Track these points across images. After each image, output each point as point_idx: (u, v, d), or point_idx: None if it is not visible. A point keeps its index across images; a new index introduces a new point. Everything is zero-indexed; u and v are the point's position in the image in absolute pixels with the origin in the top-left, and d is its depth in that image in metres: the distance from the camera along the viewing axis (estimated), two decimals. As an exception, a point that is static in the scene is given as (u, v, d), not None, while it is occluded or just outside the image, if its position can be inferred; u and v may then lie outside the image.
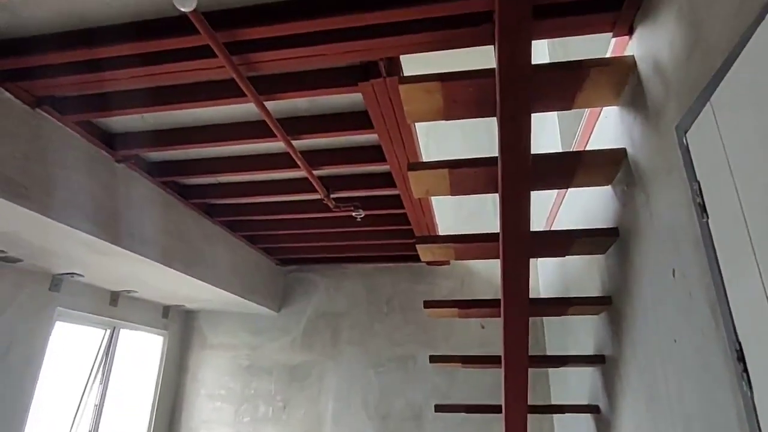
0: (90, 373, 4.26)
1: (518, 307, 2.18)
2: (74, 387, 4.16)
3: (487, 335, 4.72)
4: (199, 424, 5.02)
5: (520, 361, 2.30)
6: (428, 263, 5.01)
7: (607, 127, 2.32)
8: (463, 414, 4.37)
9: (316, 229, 4.23)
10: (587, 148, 2.53)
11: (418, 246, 2.33)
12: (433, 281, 5.02)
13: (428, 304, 2.61)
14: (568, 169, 2.17)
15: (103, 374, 4.30)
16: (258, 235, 4.56)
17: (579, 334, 3.13)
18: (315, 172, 3.06)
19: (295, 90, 2.33)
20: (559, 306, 2.49)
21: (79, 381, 4.19)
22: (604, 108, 2.31)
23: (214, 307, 5.19)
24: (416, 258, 4.93)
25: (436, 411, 2.84)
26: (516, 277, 2.10)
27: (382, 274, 5.16)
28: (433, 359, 2.67)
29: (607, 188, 2.33)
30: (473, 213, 5.06)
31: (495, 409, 2.70)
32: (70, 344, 4.16)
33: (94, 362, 4.31)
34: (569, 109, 2.16)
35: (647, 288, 1.93)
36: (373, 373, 4.83)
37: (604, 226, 2.34)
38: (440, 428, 4.52)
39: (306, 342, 5.09)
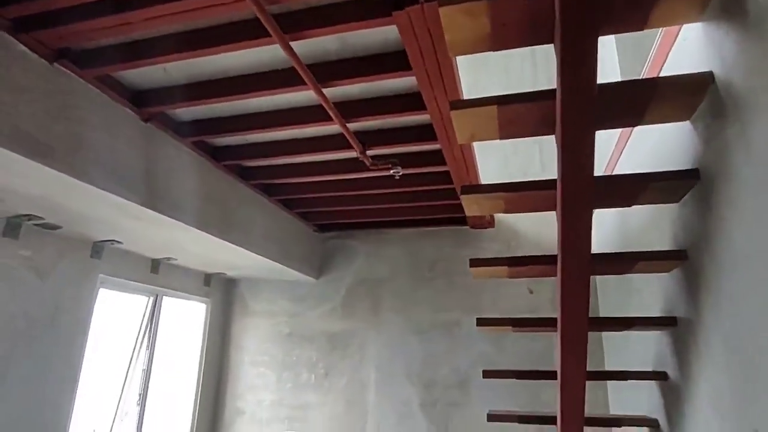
0: (136, 339, 4.31)
1: (578, 262, 1.91)
2: (122, 352, 4.23)
3: (536, 301, 4.46)
4: (244, 390, 5.06)
5: (579, 323, 2.05)
6: (472, 226, 4.75)
7: (685, 51, 1.97)
8: (512, 380, 4.17)
9: (353, 191, 4.04)
10: (660, 80, 2.18)
11: (463, 197, 2.09)
12: (478, 245, 4.76)
13: (475, 263, 2.38)
14: (640, 101, 1.85)
15: (149, 340, 4.34)
16: (294, 199, 4.43)
17: (642, 294, 2.83)
18: (349, 125, 2.85)
19: (323, 26, 2.10)
20: (625, 262, 2.21)
21: (126, 347, 4.26)
22: (683, 28, 1.96)
23: (254, 274, 5.16)
24: (460, 220, 4.68)
25: (484, 377, 2.65)
26: (576, 228, 1.83)
27: (425, 238, 4.94)
28: (481, 322, 2.45)
29: (684, 125, 2.00)
30: (520, 170, 4.74)
31: (548, 375, 2.47)
32: (115, 311, 4.21)
33: (140, 328, 4.35)
34: (641, 29, 1.82)
35: (739, 240, 1.62)
36: (416, 341, 4.68)
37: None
38: (487, 396, 4.34)
39: (346, 310, 4.99)
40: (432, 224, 4.84)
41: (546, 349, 4.31)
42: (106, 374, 4.10)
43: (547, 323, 2.41)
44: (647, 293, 2.71)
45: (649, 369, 2.74)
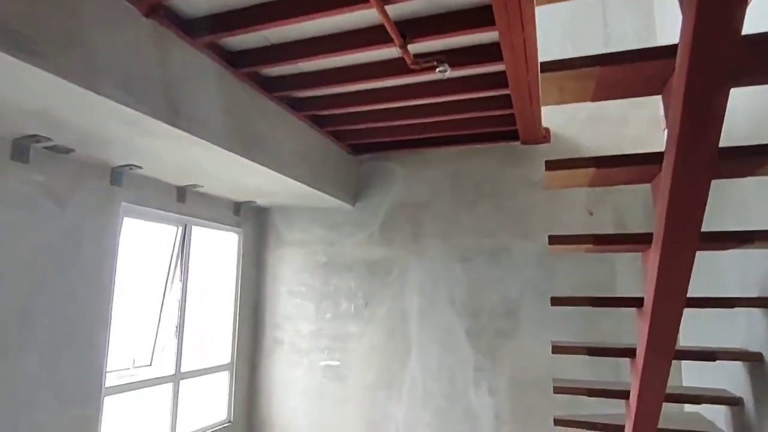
0: (168, 270, 4.14)
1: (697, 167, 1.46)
2: (155, 284, 4.08)
3: (595, 223, 4.00)
4: (282, 320, 4.92)
5: (686, 240, 1.62)
6: (524, 141, 4.22)
7: None
8: (565, 308, 3.83)
9: (391, 102, 3.57)
10: None
11: (543, 77, 1.61)
12: (530, 163, 4.27)
13: (554, 240, 2.02)
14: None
15: (181, 271, 4.16)
16: (324, 116, 3.99)
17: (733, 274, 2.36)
18: (387, 8, 2.33)
19: None
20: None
21: (158, 278, 4.09)
22: None
23: (285, 202, 4.85)
24: (511, 135, 4.17)
25: (553, 305, 2.28)
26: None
27: (469, 157, 4.47)
28: (555, 240, 2.04)
29: None
30: (594, 117, 4.14)
31: (626, 352, 2.15)
32: (144, 241, 4.01)
33: (171, 259, 4.17)
34: None
35: None
36: (460, 268, 4.35)
37: None
38: (538, 325, 4.03)
39: (385, 236, 4.66)
40: (478, 141, 4.34)
41: (604, 278, 3.91)
42: (141, 307, 3.98)
43: (636, 240, 1.99)
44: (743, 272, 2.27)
45: (736, 347, 2.39)
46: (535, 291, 4.08)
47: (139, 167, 3.54)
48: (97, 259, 3.37)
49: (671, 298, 1.84)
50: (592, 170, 1.88)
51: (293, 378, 4.77)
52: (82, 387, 3.21)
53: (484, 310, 4.22)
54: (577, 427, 2.91)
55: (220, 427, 4.47)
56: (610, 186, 2.56)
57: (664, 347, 2.02)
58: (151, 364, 3.97)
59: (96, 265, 3.36)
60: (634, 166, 1.84)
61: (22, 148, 2.93)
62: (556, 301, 2.28)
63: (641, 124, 4.02)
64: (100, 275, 3.38)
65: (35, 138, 2.88)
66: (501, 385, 4.08)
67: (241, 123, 3.23)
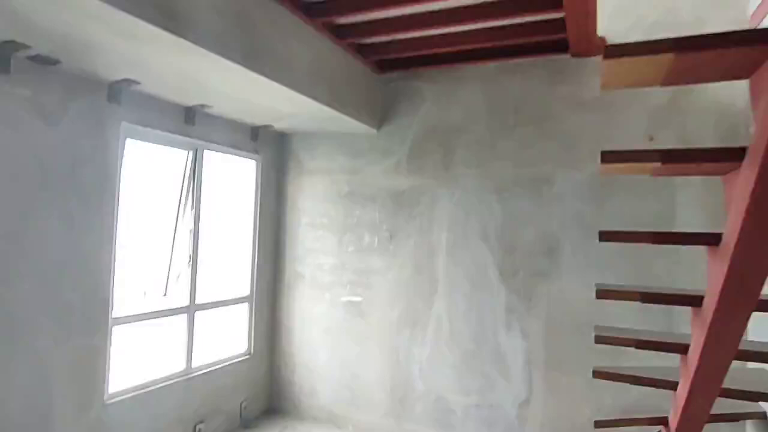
0: (180, 198, 3.91)
1: None
2: (166, 212, 3.87)
3: (656, 150, 3.41)
4: (303, 253, 4.69)
5: None
6: (575, 53, 3.60)
7: None
8: (610, 248, 3.38)
9: (419, 4, 3.02)
10: None
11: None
12: (579, 79, 3.66)
13: (609, 158, 1.52)
14: None
15: (193, 199, 3.92)
16: (343, 24, 3.48)
17: None
18: None
19: None
20: None
21: (170, 205, 3.88)
22: None
23: (305, 127, 4.47)
24: (558, 46, 3.55)
25: (602, 240, 1.84)
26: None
27: (509, 74, 3.89)
28: (608, 158, 1.58)
29: None
30: (663, 24, 3.42)
31: (691, 300, 1.70)
32: (153, 166, 3.77)
33: (183, 186, 3.92)
34: None
35: None
36: (495, 200, 3.90)
37: None
38: (580, 265, 3.61)
39: (413, 165, 4.24)
40: (520, 54, 3.73)
41: (663, 212, 3.38)
42: (152, 235, 3.80)
43: (720, 156, 1.50)
44: None
45: None
46: (579, 227, 3.61)
47: (138, 83, 3.20)
48: (97, 181, 3.14)
49: (764, 231, 1.38)
50: (670, 59, 1.38)
51: (314, 313, 4.59)
52: (87, 316, 3.09)
53: (520, 247, 3.80)
54: (618, 381, 2.55)
55: (239, 359, 4.40)
56: (693, 84, 2.01)
57: (745, 295, 1.58)
58: (165, 295, 3.84)
59: (96, 187, 3.13)
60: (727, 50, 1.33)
61: (0, 57, 2.64)
62: (607, 236, 1.84)
63: (723, 28, 3.29)
64: (100, 199, 3.16)
65: (13, 45, 2.57)
66: (535, 329, 3.73)
67: (247, 30, 2.80)
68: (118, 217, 3.28)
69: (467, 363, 3.93)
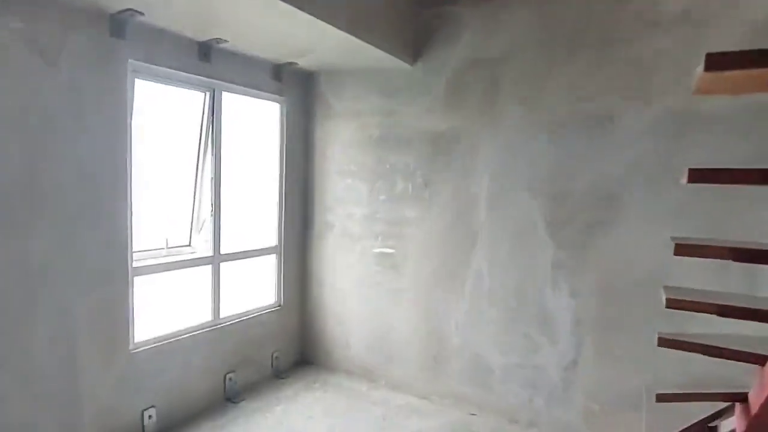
0: (200, 144, 3.66)
1: None
2: (185, 158, 3.63)
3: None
4: (332, 203, 4.40)
5: None
6: (651, -43, 2.95)
7: None
8: (686, 192, 2.91)
9: None
10: None
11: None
12: (655, -8, 3.03)
13: (714, 63, 1.02)
14: None
15: (213, 145, 3.66)
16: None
17: None
18: None
19: None
20: None
21: (189, 152, 3.64)
22: None
23: (332, 63, 4.05)
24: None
25: (690, 181, 1.40)
26: None
27: (566, -11, 3.30)
28: (717, 62, 1.12)
29: None
30: None
31: None
32: (168, 109, 3.50)
33: (201, 131, 3.66)
34: None
35: None
36: (546, 141, 3.42)
37: None
38: (645, 215, 3.13)
39: (452, 102, 3.78)
40: (581, -37, 3.12)
41: (757, 156, 2.80)
42: (172, 183, 3.59)
43: None
44: None
45: None
46: (646, 171, 3.10)
47: (141, 13, 2.88)
48: (104, 124, 2.90)
49: None
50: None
51: (345, 264, 4.35)
52: (105, 266, 2.95)
53: (573, 195, 3.35)
54: (690, 350, 2.16)
55: (268, 311, 4.26)
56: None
57: None
58: (189, 245, 3.68)
59: (103, 131, 2.90)
60: None
61: (-18, -18, 2.36)
62: (696, 176, 1.39)
63: None
64: (109, 143, 2.93)
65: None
66: (587, 287, 3.33)
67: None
68: (132, 164, 3.06)
69: (508, 321, 3.61)
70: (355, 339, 4.34)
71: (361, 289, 4.28)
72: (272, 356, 4.28)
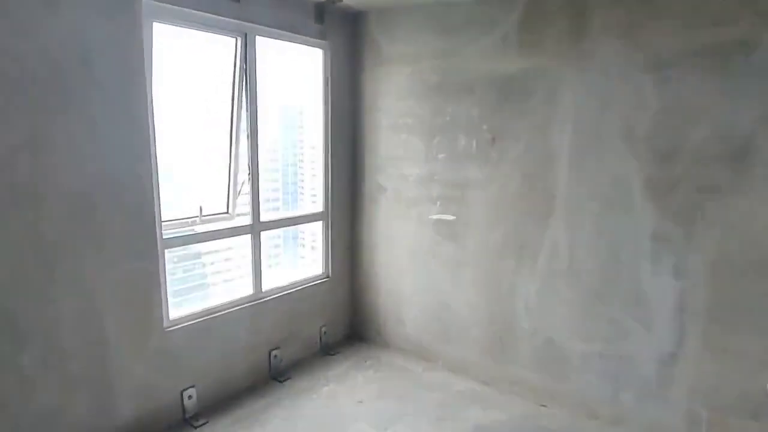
0: (233, 99, 3.23)
1: None
2: (216, 115, 3.24)
3: None
4: (384, 163, 3.90)
5: None
6: None
7: None
8: None
9: None
10: None
11: None
12: None
13: None
14: None
15: (247, 99, 3.23)
16: None
17: None
18: None
19: None
20: None
21: (221, 108, 3.23)
22: None
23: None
24: None
25: None
26: None
27: None
28: None
29: None
30: None
31: None
32: (192, 58, 3.08)
33: (234, 83, 3.22)
34: None
35: None
36: (649, 82, 2.70)
37: None
38: (782, 177, 2.39)
39: (526, 39, 3.10)
40: None
41: None
42: (205, 142, 3.22)
43: None
44: None
45: None
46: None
47: (151, -59, 2.42)
48: (119, 76, 2.52)
49: None
50: None
51: (400, 232, 3.89)
52: (129, 239, 2.65)
53: (683, 152, 2.64)
54: None
55: (315, 282, 3.91)
56: None
57: None
58: (227, 212, 3.34)
59: (117, 84, 2.52)
60: None
61: None
62: None
63: None
64: (125, 98, 2.56)
65: None
66: (696, 265, 2.68)
67: None
68: (154, 122, 2.69)
69: (591, 302, 3.03)
70: (410, 315, 3.93)
71: (416, 260, 3.82)
72: (320, 331, 3.97)
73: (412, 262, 3.85)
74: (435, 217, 3.66)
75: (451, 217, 3.57)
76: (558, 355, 3.21)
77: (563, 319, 3.15)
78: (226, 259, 3.42)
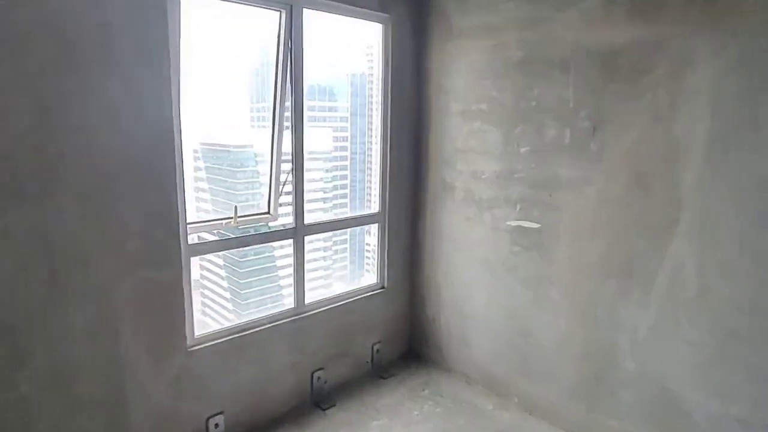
0: (276, 83, 2.77)
1: None
2: (254, 101, 2.79)
3: None
4: (453, 156, 3.29)
5: None
6: None
7: None
8: None
9: None
10: None
11: None
12: None
13: None
14: None
15: (292, 81, 2.76)
16: None
17: None
18: None
19: None
20: None
21: (261, 92, 2.78)
22: None
23: (454, -44, 2.84)
24: None
25: None
26: None
27: None
28: None
29: None
30: None
31: None
32: (228, 35, 2.65)
33: (277, 63, 2.76)
34: None
35: None
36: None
37: None
38: None
39: (640, 1, 2.37)
40: None
41: None
42: (240, 133, 2.79)
43: None
44: None
45: None
46: None
47: None
48: (142, 58, 2.12)
49: None
50: None
51: (470, 239, 3.27)
52: (153, 243, 2.25)
53: None
54: None
55: (368, 294, 3.39)
56: None
57: None
58: (269, 212, 2.90)
59: (141, 67, 2.12)
60: None
61: None
62: None
63: None
64: (149, 83, 2.16)
65: None
66: None
67: None
68: (180, 108, 2.28)
69: (729, 345, 2.26)
70: (479, 337, 3.30)
71: (489, 273, 3.19)
72: (372, 349, 3.46)
73: (483, 274, 3.22)
74: (514, 223, 3.00)
75: (534, 225, 2.90)
76: (675, 411, 2.45)
77: (685, 363, 2.40)
78: (264, 267, 2.98)
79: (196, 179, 2.97)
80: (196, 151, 2.99)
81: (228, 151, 3.07)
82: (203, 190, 3.04)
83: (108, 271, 2.15)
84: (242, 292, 3.01)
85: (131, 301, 2.23)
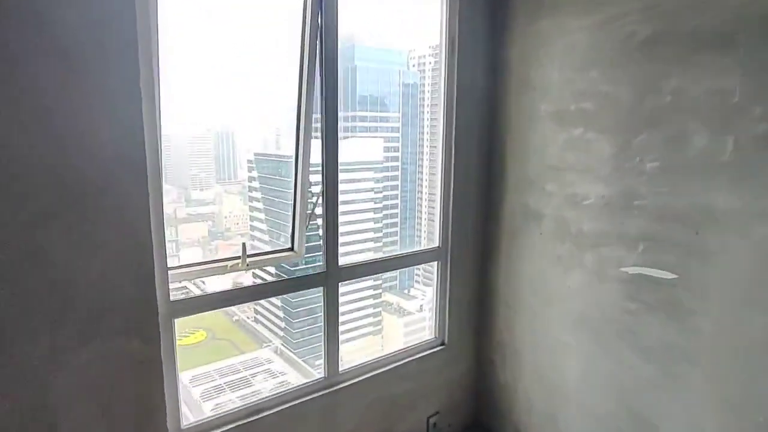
0: (300, 73, 2.06)
1: None
2: (269, 100, 2.10)
3: None
4: (539, 173, 2.45)
5: None
6: None
7: None
8: None
9: None
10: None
11: None
12: None
13: None
14: None
15: (322, 73, 2.04)
16: None
17: None
18: None
19: None
20: None
21: (277, 88, 2.09)
22: None
23: None
24: None
25: None
26: None
27: None
28: None
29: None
30: None
31: None
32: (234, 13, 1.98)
33: (302, 51, 2.05)
34: None
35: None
36: None
37: None
38: None
39: None
40: None
41: None
42: (251, 144, 2.10)
43: None
44: None
45: None
46: None
47: None
48: (115, 56, 1.48)
49: None
50: None
51: (563, 287, 2.41)
52: (111, 299, 1.60)
53: None
54: None
55: (423, 353, 2.59)
56: None
57: None
58: (293, 249, 2.19)
59: (114, 66, 1.48)
60: None
61: None
62: None
63: None
64: (108, 84, 1.51)
65: None
66: None
67: None
68: (160, 115, 1.61)
69: None
70: (572, 417, 2.43)
71: (590, 336, 2.31)
72: (428, 423, 2.66)
73: (581, 336, 2.35)
74: (633, 270, 2.11)
75: (667, 275, 2.00)
76: None
77: None
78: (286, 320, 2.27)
79: (251, 199, 2.31)
80: (250, 161, 2.35)
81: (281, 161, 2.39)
82: (258, 213, 2.36)
83: (43, 347, 1.50)
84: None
85: (79, 386, 1.57)
